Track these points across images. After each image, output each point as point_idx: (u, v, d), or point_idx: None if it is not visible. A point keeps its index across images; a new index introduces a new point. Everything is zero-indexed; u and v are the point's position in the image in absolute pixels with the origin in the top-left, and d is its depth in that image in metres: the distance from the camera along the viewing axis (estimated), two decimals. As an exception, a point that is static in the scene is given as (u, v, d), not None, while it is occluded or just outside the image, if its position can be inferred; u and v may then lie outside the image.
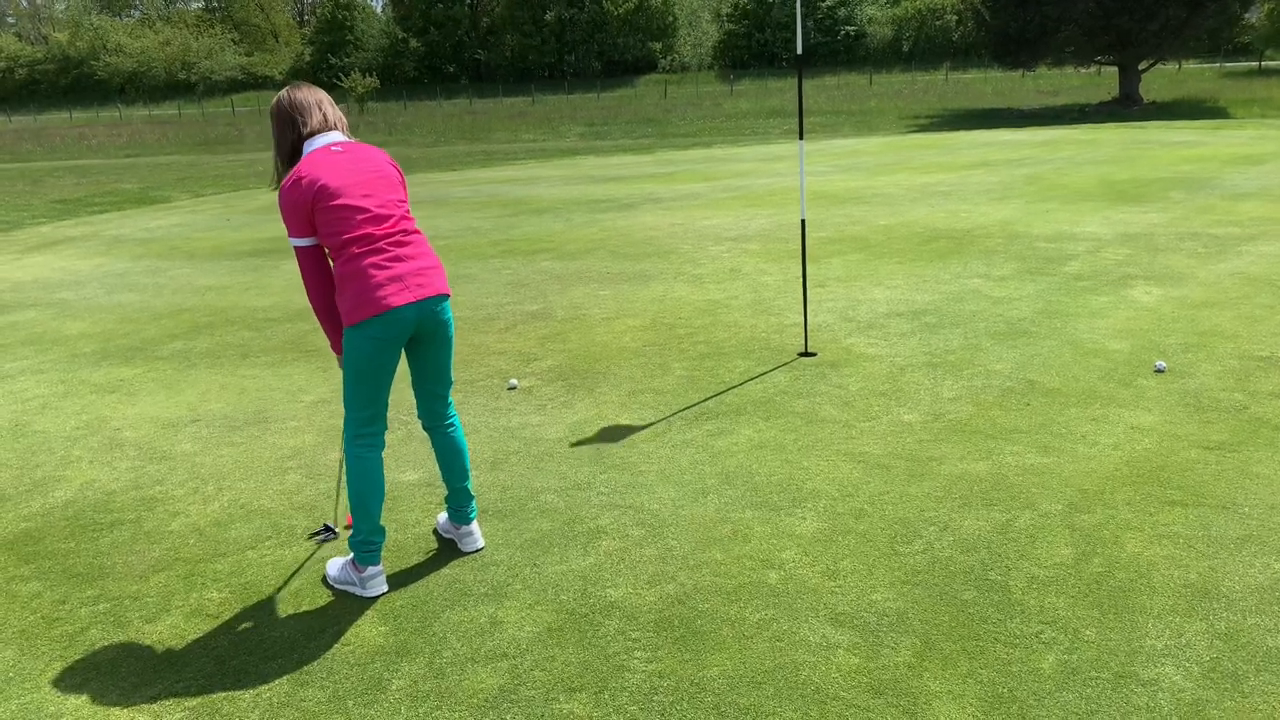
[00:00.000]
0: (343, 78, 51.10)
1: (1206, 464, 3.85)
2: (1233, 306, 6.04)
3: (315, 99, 3.17)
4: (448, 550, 3.53)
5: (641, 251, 9.02)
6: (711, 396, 4.99)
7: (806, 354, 5.61)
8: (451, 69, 72.39)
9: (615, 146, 26.76)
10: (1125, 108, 29.63)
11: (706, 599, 3.09)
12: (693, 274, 7.92)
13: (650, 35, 70.04)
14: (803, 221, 5.78)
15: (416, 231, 3.20)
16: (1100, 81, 39.91)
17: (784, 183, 13.90)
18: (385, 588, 3.27)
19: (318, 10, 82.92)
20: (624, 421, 4.72)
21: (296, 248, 3.13)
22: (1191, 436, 4.12)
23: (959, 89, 44.73)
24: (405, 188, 3.26)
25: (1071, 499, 3.63)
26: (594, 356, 5.83)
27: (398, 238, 3.10)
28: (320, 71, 70.45)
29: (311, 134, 3.12)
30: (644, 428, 4.62)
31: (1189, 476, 3.75)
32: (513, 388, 5.34)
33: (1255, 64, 46.42)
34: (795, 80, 52.08)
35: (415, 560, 3.47)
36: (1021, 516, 3.52)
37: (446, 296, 3.19)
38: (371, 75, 53.23)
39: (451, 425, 3.43)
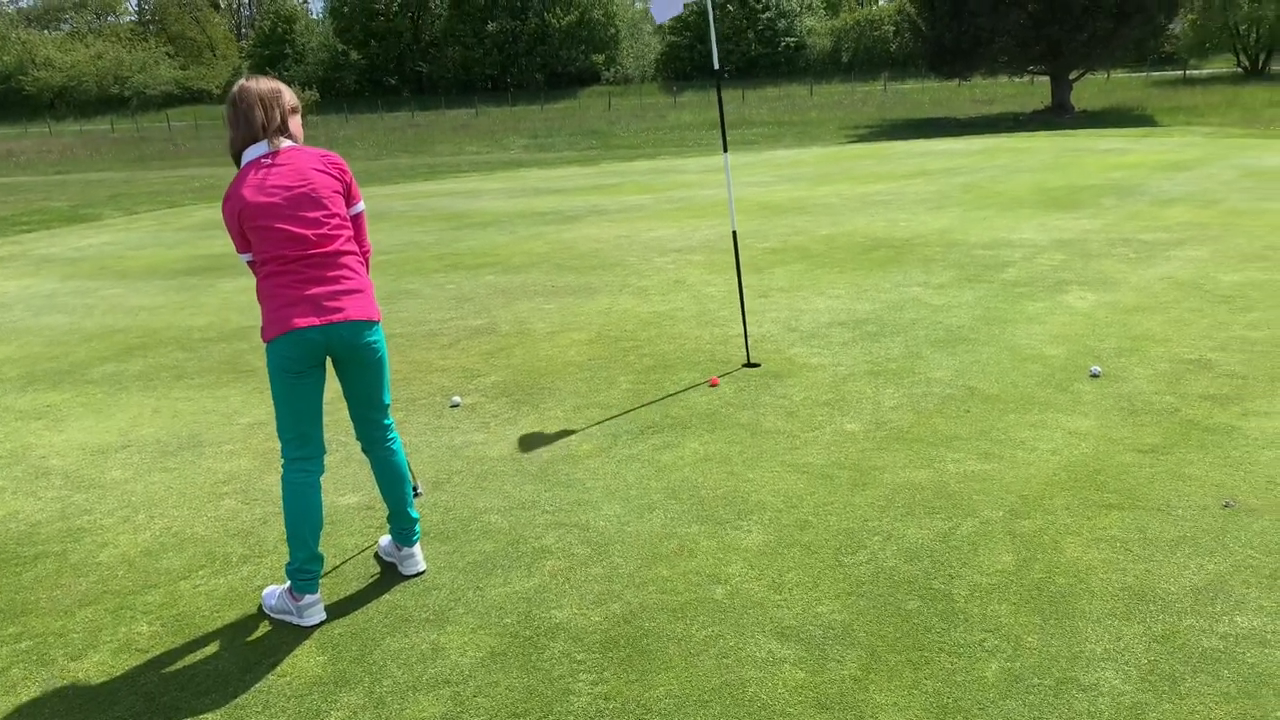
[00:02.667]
0: (281, 91, 50.36)
1: (1141, 467, 3.92)
2: (1162, 311, 6.18)
3: (250, 100, 3.03)
4: (388, 575, 3.45)
5: (586, 264, 8.99)
6: (657, 409, 4.97)
7: (750, 365, 5.62)
8: (393, 81, 71.82)
9: (559, 159, 26.73)
10: (1058, 116, 30.37)
11: (652, 617, 3.06)
12: (638, 286, 7.91)
13: (593, 47, 70.25)
14: (734, 233, 5.83)
15: (349, 253, 3.13)
16: (1033, 90, 40.90)
17: (726, 194, 13.96)
18: (323, 616, 3.19)
19: (256, 24, 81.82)
20: (569, 437, 4.67)
21: (245, 261, 3.15)
22: (1126, 440, 4.19)
23: (897, 99, 45.51)
24: (345, 193, 3.17)
25: (1012, 505, 3.67)
26: (539, 371, 5.78)
27: (318, 259, 3.05)
28: (258, 85, 69.27)
29: (245, 145, 3.06)
30: (589, 443, 4.58)
31: (1124, 480, 3.81)
32: (455, 405, 5.27)
33: (1180, 73, 47.91)
34: (739, 92, 52.78)
35: (355, 586, 3.39)
36: (964, 524, 3.55)
37: (367, 322, 3.12)
38: (311, 88, 52.62)
39: (390, 447, 3.37)
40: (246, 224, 3.00)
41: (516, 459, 4.46)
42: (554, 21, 67.62)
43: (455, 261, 9.67)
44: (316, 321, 2.99)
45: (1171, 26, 33.82)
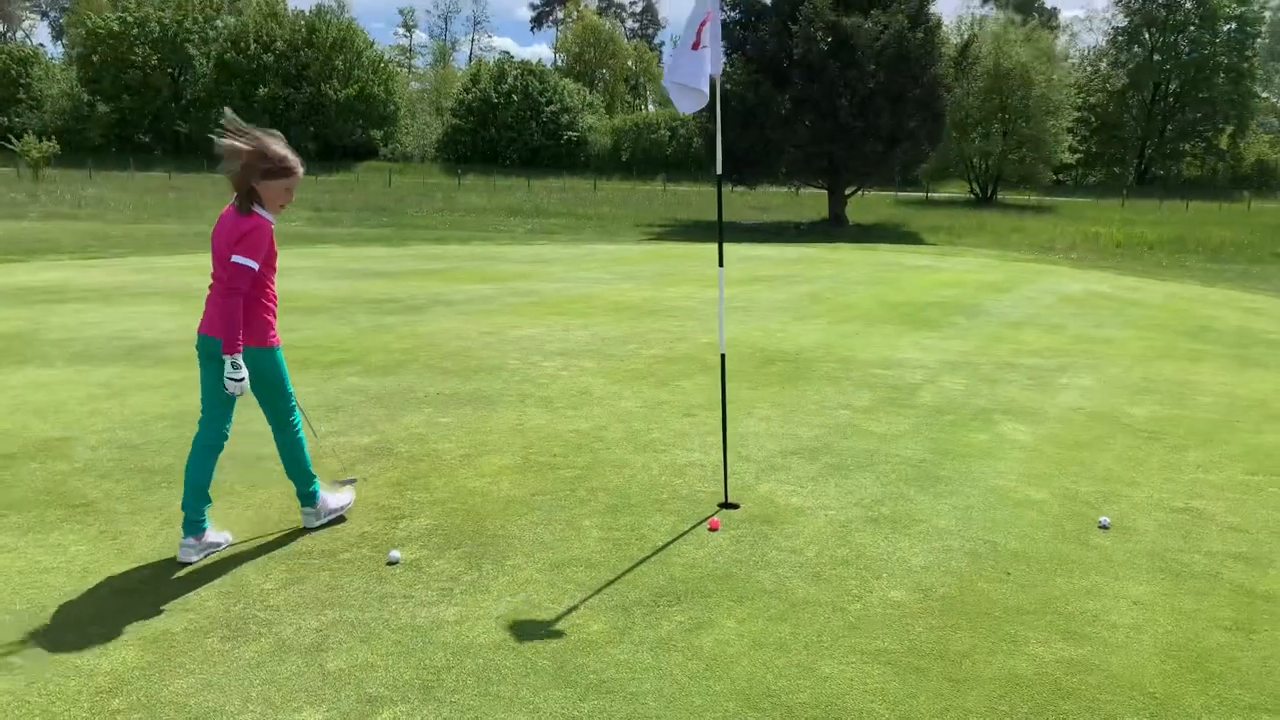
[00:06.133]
0: (14, 140, 44.88)
1: (1242, 650, 3.57)
2: (1102, 448, 6.11)
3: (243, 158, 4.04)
4: None
5: (464, 366, 8.01)
6: (655, 568, 4.16)
7: (728, 505, 4.95)
8: (146, 139, 66.45)
9: (353, 235, 25.16)
10: (836, 227, 32.32)
11: None
12: (539, 396, 7.04)
13: (371, 122, 68.50)
14: (723, 356, 5.20)
15: (218, 282, 4.08)
16: (801, 201, 43.68)
17: (575, 289, 13.37)
18: (192, 559, 4.05)
19: (-19, 61, 73.39)
20: (570, 613, 3.77)
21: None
22: (1199, 613, 3.86)
23: (677, 200, 47.11)
24: (229, 251, 3.98)
25: (1147, 707, 3.18)
26: (477, 511, 4.80)
27: (213, 285, 4.13)
28: (-18, 130, 62.30)
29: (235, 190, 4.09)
30: (598, 620, 3.70)
31: (1241, 670, 3.43)
32: (394, 562, 4.20)
33: (924, 195, 52.98)
34: (524, 180, 52.93)
35: None
36: (1112, 736, 3.01)
37: (205, 336, 4.12)
38: (49, 139, 47.06)
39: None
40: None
41: (515, 647, 3.50)
42: (330, 94, 65.37)
43: (301, 356, 8.35)
44: (200, 330, 4.18)
45: (933, 153, 37.11)
